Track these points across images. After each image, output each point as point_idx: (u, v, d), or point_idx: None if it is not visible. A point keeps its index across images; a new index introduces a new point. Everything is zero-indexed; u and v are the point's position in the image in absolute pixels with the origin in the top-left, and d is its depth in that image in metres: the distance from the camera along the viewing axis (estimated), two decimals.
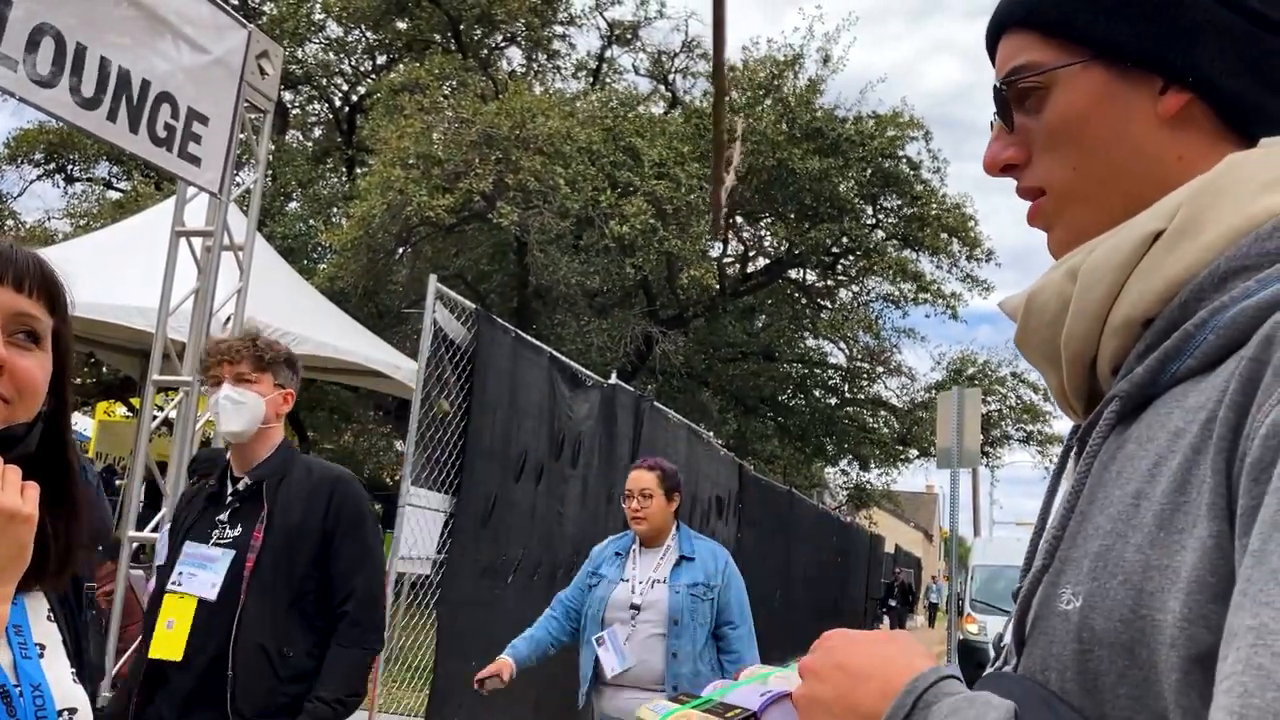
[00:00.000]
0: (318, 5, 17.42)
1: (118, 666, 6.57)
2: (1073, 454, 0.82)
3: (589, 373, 7.36)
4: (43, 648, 1.13)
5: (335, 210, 17.42)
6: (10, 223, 18.23)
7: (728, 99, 17.31)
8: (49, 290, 1.13)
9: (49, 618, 1.18)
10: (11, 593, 1.03)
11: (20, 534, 1.03)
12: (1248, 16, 0.78)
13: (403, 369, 9.13)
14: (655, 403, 8.83)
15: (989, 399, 19.51)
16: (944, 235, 17.28)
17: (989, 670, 0.85)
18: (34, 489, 1.05)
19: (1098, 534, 0.70)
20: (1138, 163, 0.81)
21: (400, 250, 15.22)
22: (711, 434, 12.47)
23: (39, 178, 19.24)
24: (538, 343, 6.55)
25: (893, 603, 23.40)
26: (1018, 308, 0.84)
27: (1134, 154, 0.81)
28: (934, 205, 17.03)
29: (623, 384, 7.87)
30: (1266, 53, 0.79)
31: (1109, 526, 0.69)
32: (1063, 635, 0.70)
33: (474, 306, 5.71)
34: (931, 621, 32.71)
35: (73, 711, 1.13)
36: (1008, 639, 0.84)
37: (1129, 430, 0.73)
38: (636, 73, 19.92)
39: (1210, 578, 0.61)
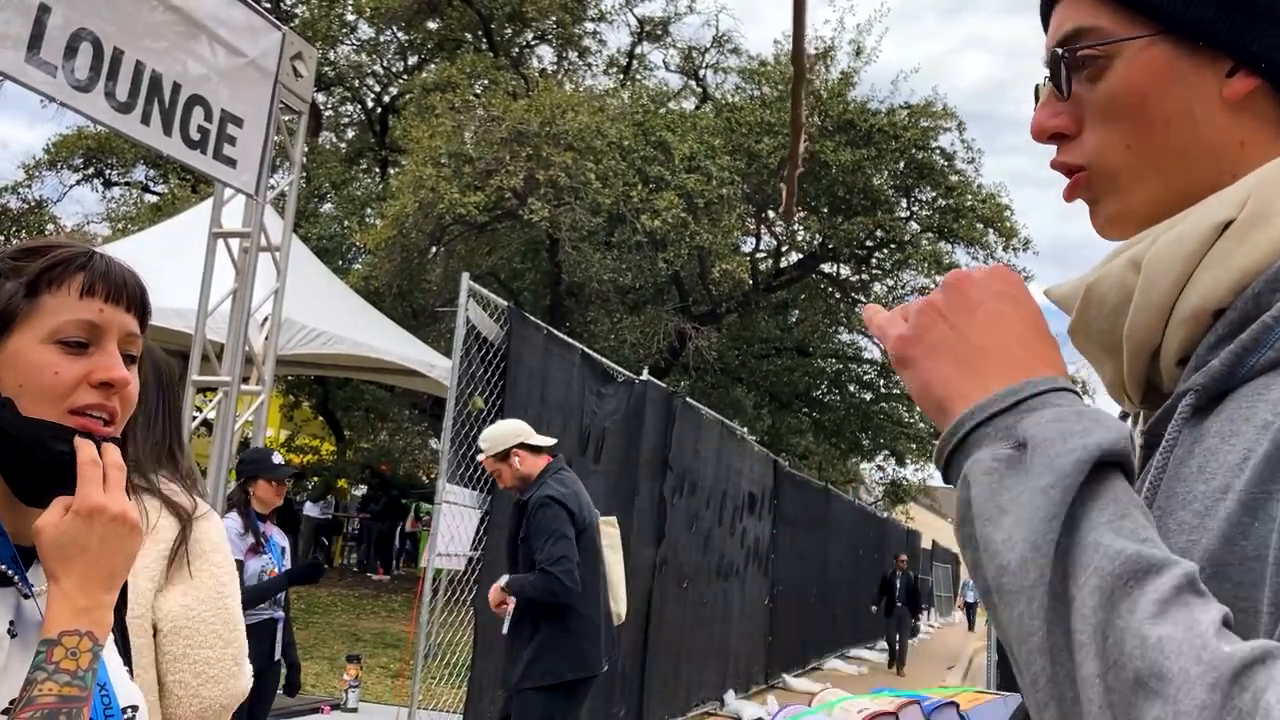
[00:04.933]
0: (350, 6, 17.54)
1: None
2: (1138, 445, 0.80)
3: (620, 369, 7.36)
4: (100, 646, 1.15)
5: (369, 211, 17.55)
6: (50, 227, 18.53)
7: (760, 94, 17.25)
8: (144, 308, 1.17)
9: None
10: (115, 601, 1.07)
11: (134, 547, 1.08)
12: None
13: (437, 367, 9.18)
14: (687, 399, 8.81)
15: None
16: (980, 226, 17.10)
17: None
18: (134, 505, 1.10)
19: (1182, 529, 0.68)
20: (1196, 146, 0.78)
21: (434, 249, 15.30)
22: (745, 430, 12.44)
23: (78, 182, 19.56)
24: (569, 340, 6.56)
25: (900, 602, 16.20)
26: (1067, 297, 0.82)
27: (1193, 137, 0.78)
28: (969, 196, 16.86)
29: (654, 380, 7.86)
30: None
31: (1195, 522, 0.67)
32: None
33: (507, 304, 5.73)
34: (971, 623, 31.34)
35: (134, 709, 1.15)
36: None
37: (1205, 424, 0.71)
38: (667, 69, 19.91)
39: None
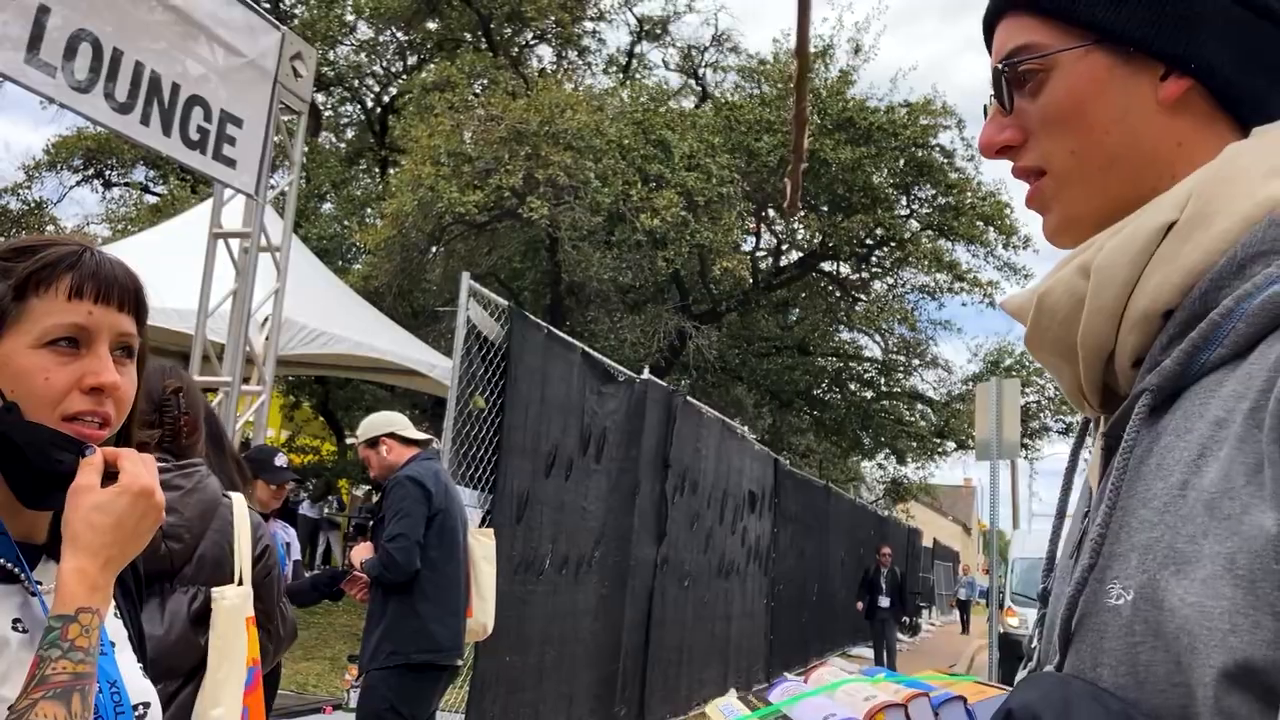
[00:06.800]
0: (349, 7, 17.53)
1: None
2: (1099, 448, 0.82)
3: (621, 368, 7.36)
4: (113, 644, 1.15)
5: (369, 211, 17.54)
6: (50, 228, 18.52)
7: (759, 93, 17.24)
8: (139, 305, 1.14)
9: (115, 614, 1.19)
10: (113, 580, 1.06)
11: (154, 528, 1.07)
12: (1251, 8, 0.79)
13: (438, 367, 9.18)
14: (688, 398, 8.81)
15: (1027, 390, 19.30)
16: (979, 224, 17.09)
17: (1023, 673, 0.84)
18: None
19: (1143, 527, 0.69)
20: (1137, 148, 0.81)
21: (433, 249, 15.29)
22: (746, 428, 12.44)
23: (78, 183, 19.53)
24: (570, 339, 6.56)
25: (886, 602, 14.14)
26: (1021, 308, 0.84)
27: (1133, 139, 0.81)
28: (969, 194, 16.85)
29: (655, 379, 7.86)
30: (1267, 43, 0.80)
31: (1155, 519, 0.69)
32: (1114, 630, 0.69)
33: (507, 304, 5.73)
34: (965, 624, 28.41)
35: (146, 706, 1.15)
36: (1038, 641, 0.84)
37: (1162, 422, 0.73)
38: (666, 68, 19.90)
39: (1276, 565, 0.60)
